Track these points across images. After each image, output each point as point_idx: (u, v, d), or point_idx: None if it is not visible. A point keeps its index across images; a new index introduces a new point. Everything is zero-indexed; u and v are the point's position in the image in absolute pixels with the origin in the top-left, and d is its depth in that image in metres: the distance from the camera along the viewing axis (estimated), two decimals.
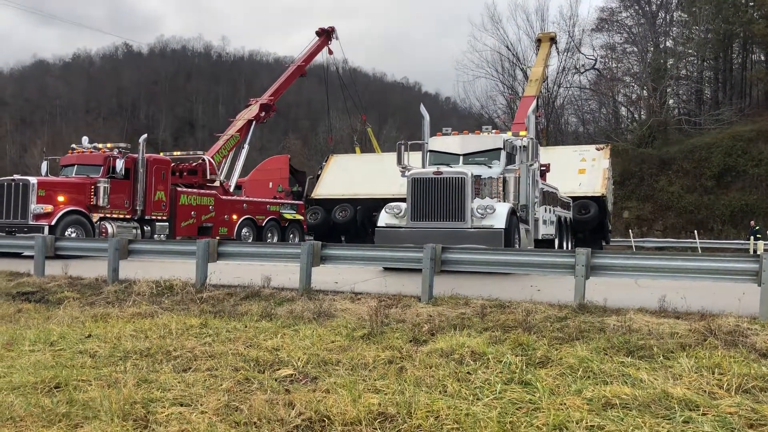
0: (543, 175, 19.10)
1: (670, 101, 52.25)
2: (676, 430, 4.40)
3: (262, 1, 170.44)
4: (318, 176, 30.51)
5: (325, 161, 31.55)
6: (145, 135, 20.91)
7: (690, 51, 51.26)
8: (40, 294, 10.76)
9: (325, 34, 32.05)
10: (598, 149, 26.77)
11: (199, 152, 24.91)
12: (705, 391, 5.16)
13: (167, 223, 20.79)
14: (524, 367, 5.89)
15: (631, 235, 36.24)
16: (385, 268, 13.24)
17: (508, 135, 16.35)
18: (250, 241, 23.01)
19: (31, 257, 13.25)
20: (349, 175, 29.15)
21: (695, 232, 35.64)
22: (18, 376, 5.87)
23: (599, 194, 24.70)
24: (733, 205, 38.92)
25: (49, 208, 17.72)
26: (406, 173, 15.04)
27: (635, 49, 53.61)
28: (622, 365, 5.89)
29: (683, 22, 52.89)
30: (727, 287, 9.24)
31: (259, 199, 25.40)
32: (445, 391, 5.29)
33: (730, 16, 46.80)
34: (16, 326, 8.35)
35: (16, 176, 18.85)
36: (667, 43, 53.61)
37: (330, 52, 32.52)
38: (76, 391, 5.40)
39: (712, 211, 39.65)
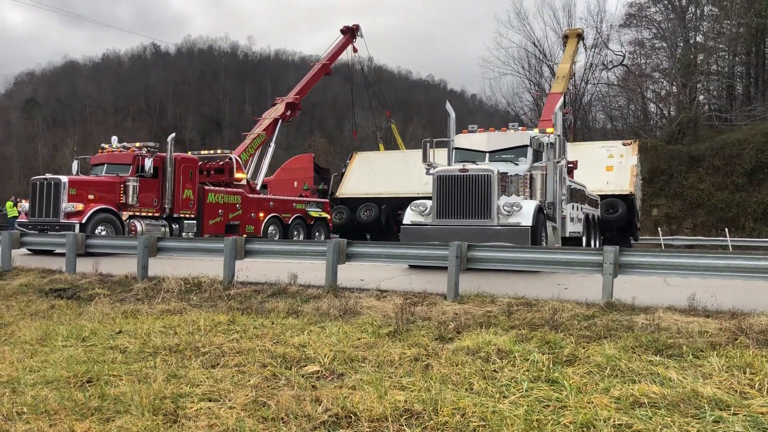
0: (570, 172, 18.91)
1: (701, 97, 51.36)
2: (706, 430, 4.34)
3: (288, 0, 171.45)
4: (342, 174, 30.52)
5: (349, 158, 31.52)
6: (173, 134, 21.15)
7: (721, 46, 50.30)
8: (72, 291, 10.96)
9: (350, 32, 32.06)
10: (625, 144, 26.44)
11: (226, 151, 25.13)
12: (736, 390, 5.09)
13: (195, 221, 21.01)
14: (551, 365, 5.86)
15: (660, 233, 35.73)
16: (411, 266, 13.23)
17: (535, 132, 16.23)
18: (276, 238, 23.16)
19: (62, 255, 13.51)
20: (373, 173, 29.12)
21: (726, 230, 35.00)
22: (51, 371, 6.00)
23: (627, 192, 24.37)
24: (766, 203, 38.10)
25: (80, 206, 18.02)
26: (432, 171, 15.01)
27: (664, 44, 52.83)
28: (650, 364, 5.82)
29: (714, 16, 51.87)
30: (759, 286, 9.10)
31: (286, 197, 25.54)
32: (472, 389, 5.29)
33: (763, 9, 45.75)
34: (49, 322, 8.53)
35: (48, 175, 19.20)
36: (698, 38, 52.70)
37: (354, 50, 32.52)
38: (107, 386, 5.51)
39: (743, 209, 38.86)
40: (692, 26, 52.87)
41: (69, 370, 5.99)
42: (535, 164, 15.31)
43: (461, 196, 14.13)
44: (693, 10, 53.62)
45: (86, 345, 7.12)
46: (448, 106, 16.73)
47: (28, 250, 16.70)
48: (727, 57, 51.57)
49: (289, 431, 4.54)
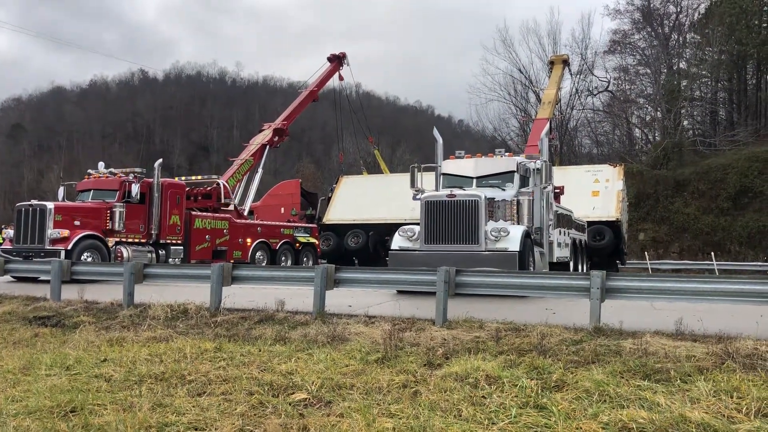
0: (557, 197, 19.04)
1: (685, 122, 52.07)
2: None
3: (276, 26, 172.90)
4: (329, 198, 30.52)
5: (336, 183, 31.55)
6: (161, 160, 21.13)
7: (704, 72, 51.17)
8: (57, 318, 10.83)
9: (337, 60, 32.31)
10: (612, 165, 26.73)
11: (213, 176, 25.12)
12: (723, 415, 5.09)
13: (182, 247, 20.91)
14: (539, 390, 5.84)
15: (647, 257, 35.93)
16: (399, 291, 13.21)
17: (522, 157, 16.36)
18: (264, 264, 23.06)
19: (47, 282, 13.37)
20: (360, 198, 29.09)
21: (712, 254, 35.28)
22: (34, 401, 5.90)
23: (614, 218, 24.53)
24: (751, 227, 38.49)
25: (65, 232, 17.89)
26: (420, 196, 15.06)
27: (648, 70, 53.66)
28: (638, 389, 5.82)
29: (696, 43, 52.86)
30: (745, 310, 9.14)
31: (273, 223, 25.51)
32: (460, 416, 5.26)
33: (744, 37, 46.72)
34: (32, 350, 8.41)
35: (34, 201, 19.09)
36: (681, 65, 53.61)
37: (341, 78, 32.67)
38: (91, 416, 5.42)
39: (729, 233, 39.23)
40: (675, 53, 53.82)
41: (52, 399, 5.89)
42: (522, 189, 15.40)
43: (449, 221, 14.18)
44: (676, 37, 54.63)
45: (70, 374, 7.01)
46: (436, 133, 16.84)
47: (13, 277, 16.51)
48: (709, 83, 52.46)
49: None
